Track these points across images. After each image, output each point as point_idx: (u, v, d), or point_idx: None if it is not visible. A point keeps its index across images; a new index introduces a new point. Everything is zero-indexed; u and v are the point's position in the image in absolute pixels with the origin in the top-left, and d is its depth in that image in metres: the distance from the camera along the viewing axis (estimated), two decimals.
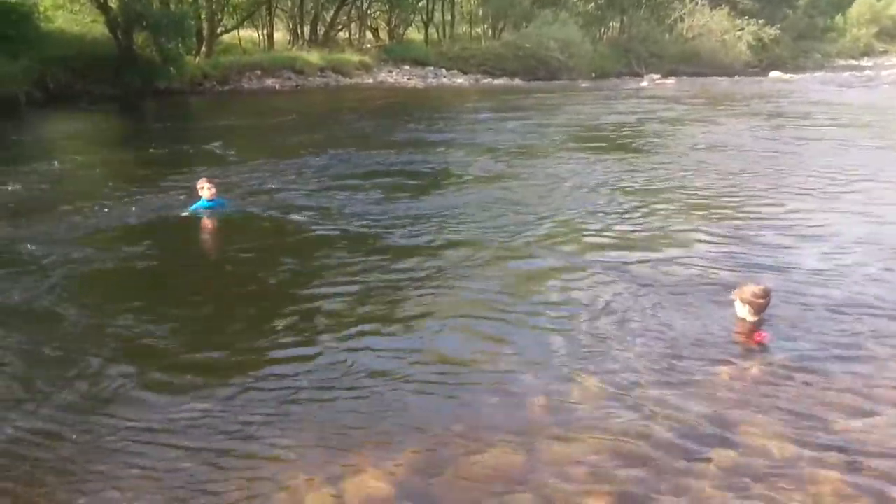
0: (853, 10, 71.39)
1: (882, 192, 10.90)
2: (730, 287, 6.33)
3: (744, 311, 5.83)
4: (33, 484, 3.92)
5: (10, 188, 10.95)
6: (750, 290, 5.78)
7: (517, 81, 40.06)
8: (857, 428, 4.39)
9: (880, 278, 7.04)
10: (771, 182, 11.79)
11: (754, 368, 5.22)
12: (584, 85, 37.86)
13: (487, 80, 39.86)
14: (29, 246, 7.98)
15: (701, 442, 4.25)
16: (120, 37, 26.96)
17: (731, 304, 5.95)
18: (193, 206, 9.44)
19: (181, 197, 10.15)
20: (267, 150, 15.18)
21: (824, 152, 14.85)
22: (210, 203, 9.42)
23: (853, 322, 5.96)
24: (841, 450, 4.15)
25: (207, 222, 9.32)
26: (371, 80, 36.55)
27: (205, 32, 32.57)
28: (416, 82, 37.09)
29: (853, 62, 63.61)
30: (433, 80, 38.46)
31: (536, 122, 20.93)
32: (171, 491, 3.85)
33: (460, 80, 39.36)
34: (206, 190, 9.38)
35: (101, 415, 4.58)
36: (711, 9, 54.10)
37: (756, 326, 5.76)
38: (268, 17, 39.66)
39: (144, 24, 26.44)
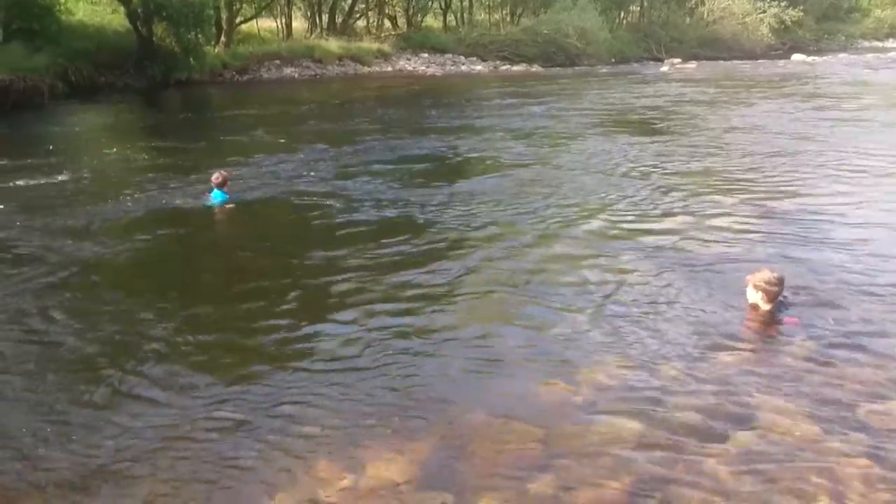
0: None
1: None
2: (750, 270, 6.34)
3: (756, 297, 5.73)
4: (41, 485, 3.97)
5: (32, 182, 11.08)
6: (763, 276, 5.68)
7: (536, 68, 39.80)
8: (882, 412, 4.37)
9: None
10: (799, 164, 11.81)
11: (777, 352, 5.22)
12: (603, 70, 37.56)
13: (506, 67, 39.62)
14: (47, 238, 8.10)
15: (721, 426, 4.26)
16: (140, 28, 27.09)
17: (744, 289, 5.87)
18: (211, 199, 9.58)
19: (199, 188, 10.25)
20: (288, 140, 15.23)
21: (850, 135, 14.74)
22: (224, 194, 9.56)
23: (880, 306, 5.93)
24: (865, 434, 4.15)
25: (223, 212, 9.44)
26: (390, 69, 36.49)
27: (223, 22, 32.62)
28: (434, 70, 36.97)
29: (877, 44, 62.59)
30: (452, 68, 38.31)
31: (559, 107, 20.85)
32: (188, 480, 3.91)
33: (479, 67, 39.18)
34: (220, 182, 9.55)
35: (113, 406, 4.66)
36: None
37: (771, 313, 5.69)
38: (286, 6, 39.64)
39: (164, 14, 26.50)
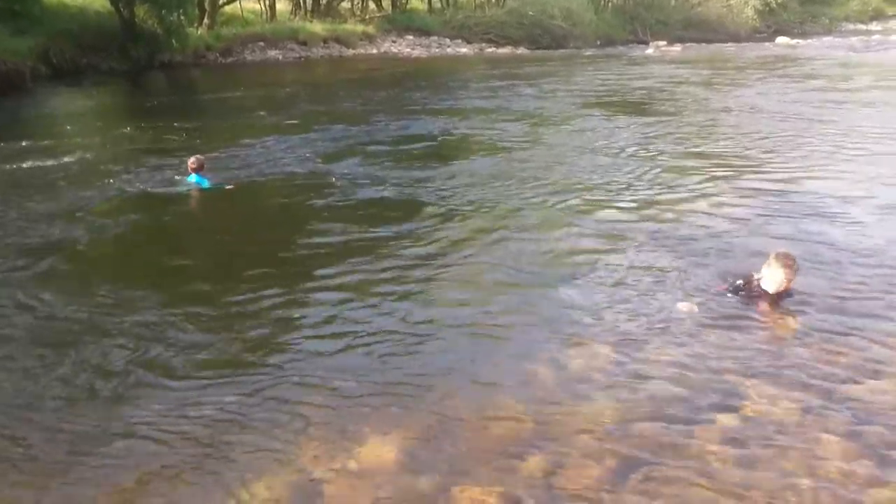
0: None
1: (887, 155, 10.98)
2: (748, 251, 6.51)
3: (780, 281, 5.57)
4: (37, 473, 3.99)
5: (15, 166, 11.01)
6: (788, 258, 5.57)
7: (521, 50, 39.73)
8: (862, 393, 4.47)
9: (890, 247, 7.05)
10: (786, 144, 11.97)
11: (764, 334, 5.30)
12: (588, 52, 37.51)
13: (491, 49, 39.51)
14: (27, 222, 8.10)
15: (706, 407, 4.35)
16: (122, 9, 26.80)
17: (755, 271, 5.76)
18: (186, 183, 9.57)
19: (179, 171, 10.20)
20: (273, 122, 15.20)
21: (835, 114, 14.87)
22: (200, 178, 9.55)
23: (866, 289, 6.02)
24: (845, 414, 4.24)
25: (199, 196, 9.42)
26: (375, 51, 36.32)
27: (206, 4, 32.30)
28: (419, 52, 36.83)
29: (861, 26, 62.76)
30: (437, 50, 38.17)
31: (547, 88, 20.88)
32: (177, 466, 3.94)
33: (464, 49, 39.05)
34: (196, 166, 9.56)
35: (107, 392, 4.68)
36: None
37: (782, 295, 5.70)
38: None
39: None
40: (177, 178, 9.77)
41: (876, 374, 4.70)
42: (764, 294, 5.69)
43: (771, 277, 5.60)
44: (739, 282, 5.82)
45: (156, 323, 5.60)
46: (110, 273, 6.85)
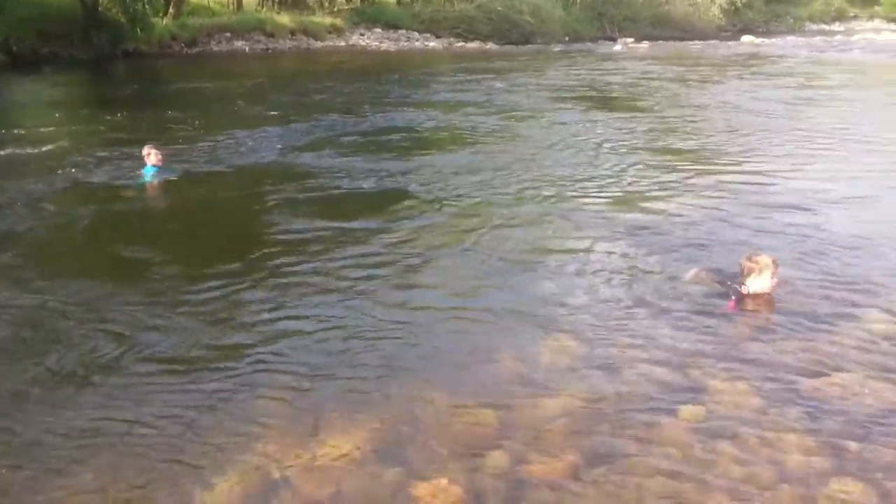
0: None
1: (855, 150, 11.26)
2: (721, 243, 6.77)
3: (767, 281, 5.60)
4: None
5: None
6: (774, 264, 5.60)
7: (490, 45, 39.73)
8: (822, 386, 4.53)
9: (859, 241, 7.15)
10: (753, 139, 12.27)
11: (728, 329, 5.34)
12: (557, 49, 37.64)
13: (460, 44, 39.47)
14: None
15: (669, 399, 4.37)
16: None
17: (743, 274, 5.68)
18: (142, 175, 9.38)
19: (138, 162, 9.93)
20: (239, 114, 15.05)
21: (799, 113, 15.17)
22: (157, 169, 9.37)
23: (835, 283, 6.08)
24: (804, 406, 4.29)
25: (156, 188, 9.25)
26: (343, 44, 36.11)
27: None
28: (388, 45, 36.69)
29: (824, 27, 63.78)
30: (406, 44, 38.06)
31: (516, 84, 20.93)
32: (141, 461, 3.87)
33: (433, 43, 38.97)
34: (152, 157, 9.36)
35: (70, 384, 4.60)
36: None
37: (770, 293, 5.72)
38: None
39: None
40: (137, 172, 9.53)
41: (839, 368, 4.75)
42: (748, 295, 5.69)
43: (760, 284, 5.63)
44: (735, 287, 5.74)
45: (111, 318, 5.50)
46: (63, 266, 6.72)
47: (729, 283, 5.80)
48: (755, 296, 5.66)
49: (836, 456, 3.84)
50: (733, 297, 5.64)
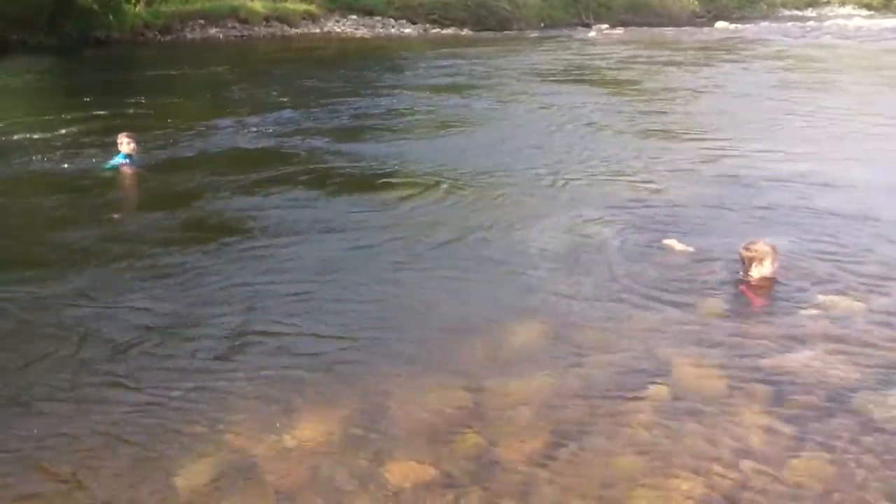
0: None
1: (830, 132, 11.59)
2: (703, 225, 6.97)
3: (769, 268, 5.65)
4: None
5: None
6: (769, 247, 5.67)
7: (466, 31, 39.62)
8: (786, 364, 4.63)
9: (834, 220, 7.33)
10: (720, 121, 12.57)
11: (696, 311, 5.42)
12: (533, 35, 37.65)
13: (436, 30, 39.33)
14: None
15: (637, 380, 4.46)
16: None
17: (747, 263, 5.69)
18: (113, 162, 9.26)
19: (107, 150, 9.81)
20: (209, 103, 14.98)
21: (775, 95, 15.39)
22: (129, 157, 9.25)
23: (797, 266, 6.17)
24: (768, 385, 4.39)
25: (130, 176, 9.16)
26: (318, 31, 35.84)
27: None
28: (363, 32, 36.49)
29: (797, 12, 64.20)
30: (381, 30, 37.86)
31: (495, 68, 20.96)
32: (112, 451, 3.89)
33: (408, 29, 38.80)
34: (125, 145, 9.23)
35: (30, 379, 4.57)
36: None
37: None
38: None
39: None
40: (107, 159, 9.41)
41: (802, 346, 4.86)
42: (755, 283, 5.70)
43: (762, 271, 5.65)
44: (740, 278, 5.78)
45: (70, 308, 5.47)
46: (21, 256, 6.66)
47: (739, 275, 5.80)
48: (762, 282, 5.67)
49: (798, 433, 3.94)
50: (746, 289, 5.65)
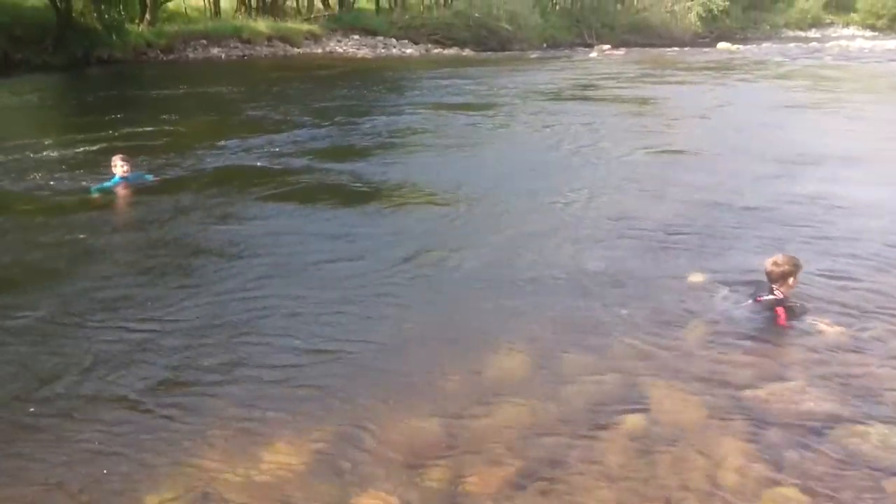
0: None
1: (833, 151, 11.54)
2: (693, 246, 6.93)
3: (795, 283, 5.55)
4: None
5: None
6: (797, 258, 5.60)
7: (467, 52, 39.90)
8: (764, 395, 4.57)
9: (835, 244, 7.27)
10: (720, 142, 12.54)
11: (681, 338, 5.35)
12: (534, 55, 37.86)
13: (438, 51, 39.63)
14: None
15: (613, 410, 4.39)
16: (59, 4, 26.17)
17: (778, 280, 5.54)
18: (106, 184, 9.22)
19: (107, 169, 9.73)
20: (209, 122, 15.01)
21: (779, 118, 15.39)
22: (124, 179, 9.22)
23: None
24: (745, 416, 4.33)
25: (123, 198, 9.10)
26: (320, 50, 36.13)
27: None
28: (365, 52, 36.74)
29: (800, 33, 64.67)
30: (383, 50, 38.14)
31: (496, 87, 21.06)
32: (80, 477, 3.83)
33: (410, 50, 39.07)
34: (119, 167, 9.20)
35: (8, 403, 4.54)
36: None
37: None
38: None
39: None
40: (103, 179, 9.43)
41: (781, 378, 4.80)
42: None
43: (789, 287, 5.54)
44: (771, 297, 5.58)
45: (43, 328, 5.44)
46: (20, 277, 6.65)
47: (760, 295, 5.63)
48: (787, 297, 5.55)
49: (773, 465, 3.88)
50: (782, 309, 5.45)
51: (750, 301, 5.68)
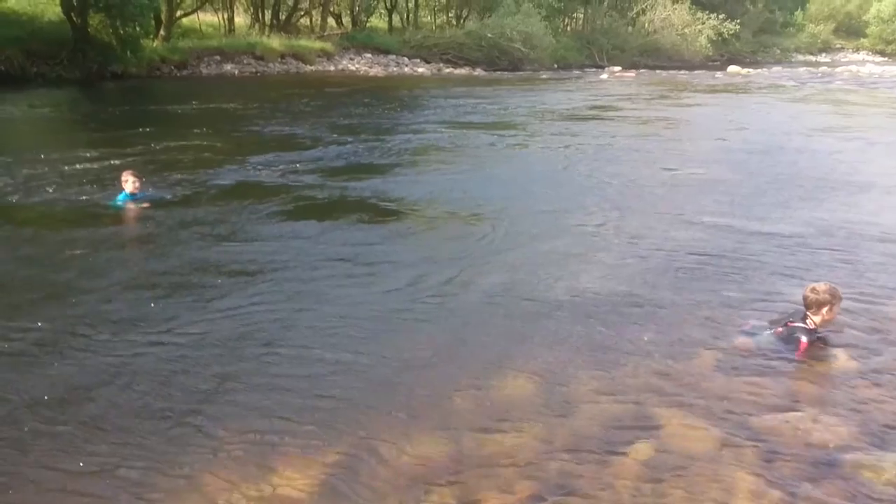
0: (811, 6, 72.64)
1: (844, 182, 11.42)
2: (700, 278, 6.86)
3: (833, 313, 5.45)
4: None
5: None
6: (836, 288, 5.47)
7: (479, 72, 40.05)
8: (775, 424, 4.55)
9: (852, 271, 7.26)
10: (732, 166, 12.39)
11: (691, 365, 5.34)
12: (545, 76, 38.01)
13: (449, 70, 39.79)
14: None
15: (626, 436, 4.38)
16: (74, 18, 26.42)
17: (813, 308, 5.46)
18: (116, 201, 9.26)
19: (118, 185, 9.76)
20: (221, 138, 15.06)
21: (796, 144, 15.38)
22: (133, 196, 9.25)
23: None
24: (759, 446, 4.31)
25: (132, 214, 9.12)
26: (332, 68, 36.34)
27: (163, 15, 31.99)
28: (377, 70, 36.93)
29: (810, 58, 64.74)
30: (395, 69, 38.33)
31: (502, 108, 21.11)
32: (84, 491, 3.85)
33: (422, 69, 39.24)
34: (129, 183, 9.22)
35: (21, 416, 4.54)
36: (673, 3, 54.49)
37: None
38: (228, 0, 39.17)
39: (100, 5, 25.93)
40: (113, 195, 9.46)
41: (796, 408, 4.77)
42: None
43: (826, 317, 5.44)
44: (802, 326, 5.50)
45: (44, 345, 5.44)
46: (15, 291, 6.66)
47: (792, 320, 5.55)
48: (822, 326, 5.49)
49: (786, 496, 3.85)
50: (805, 339, 5.38)
51: (778, 328, 5.61)
